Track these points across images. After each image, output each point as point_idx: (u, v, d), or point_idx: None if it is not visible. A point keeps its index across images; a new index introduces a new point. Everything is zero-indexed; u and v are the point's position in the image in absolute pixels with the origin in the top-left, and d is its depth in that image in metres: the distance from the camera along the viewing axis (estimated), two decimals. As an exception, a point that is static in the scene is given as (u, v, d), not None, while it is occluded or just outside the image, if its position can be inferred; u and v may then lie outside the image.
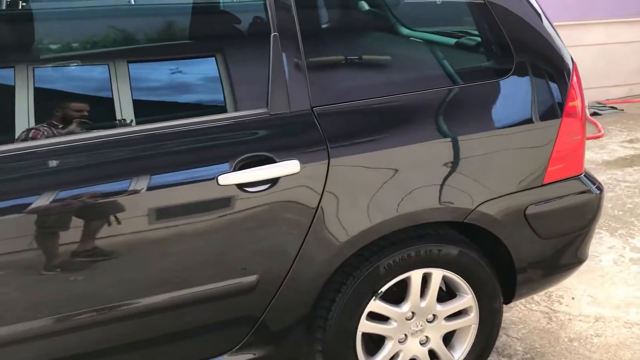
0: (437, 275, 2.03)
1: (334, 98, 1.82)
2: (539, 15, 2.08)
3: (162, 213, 1.65)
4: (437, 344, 2.11)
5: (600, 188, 2.21)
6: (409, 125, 1.87)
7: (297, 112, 1.77)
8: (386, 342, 2.06)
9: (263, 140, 1.75)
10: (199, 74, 1.82)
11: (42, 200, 1.53)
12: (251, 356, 1.89)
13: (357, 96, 1.84)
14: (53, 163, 1.59)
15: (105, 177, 1.59)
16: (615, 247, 3.34)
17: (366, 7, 1.99)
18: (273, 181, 1.72)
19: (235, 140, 1.73)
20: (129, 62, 1.71)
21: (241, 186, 1.70)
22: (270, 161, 1.72)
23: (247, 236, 1.74)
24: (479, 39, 2.04)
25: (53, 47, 1.80)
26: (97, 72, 1.71)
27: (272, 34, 1.74)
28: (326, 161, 1.77)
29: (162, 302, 1.71)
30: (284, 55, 1.75)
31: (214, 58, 1.82)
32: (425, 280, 2.04)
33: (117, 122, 1.66)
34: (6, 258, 1.52)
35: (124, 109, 1.66)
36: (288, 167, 1.72)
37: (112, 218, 1.60)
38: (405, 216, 1.89)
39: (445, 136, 1.89)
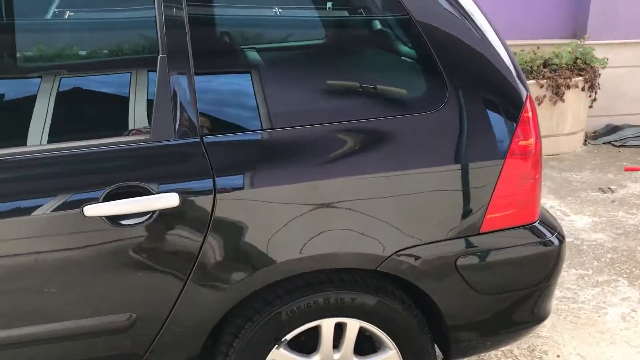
0: (353, 325, 1.83)
1: (228, 128, 1.67)
2: (485, 36, 1.82)
3: (22, 242, 1.56)
4: (355, 401, 1.90)
5: (560, 238, 1.92)
6: (312, 159, 1.69)
7: (183, 140, 1.63)
8: (296, 394, 1.88)
9: (140, 170, 1.63)
10: (75, 96, 1.72)
11: None
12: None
13: (254, 126, 1.69)
14: None
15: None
16: (630, 300, 2.95)
17: (276, 27, 1.82)
18: (149, 214, 1.60)
19: (108, 168, 1.61)
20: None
21: (112, 218, 1.58)
22: (147, 193, 1.59)
23: (120, 272, 1.63)
24: (406, 63, 1.82)
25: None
26: None
27: (159, 56, 1.61)
28: (212, 196, 1.62)
29: (27, 335, 1.63)
30: (171, 79, 1.62)
31: (93, 78, 1.72)
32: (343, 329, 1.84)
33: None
34: None
35: None
36: (165, 200, 1.59)
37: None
38: (306, 260, 1.71)
39: (353, 174, 1.69)
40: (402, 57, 1.82)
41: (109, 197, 1.57)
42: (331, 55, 1.82)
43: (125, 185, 1.58)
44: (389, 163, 1.70)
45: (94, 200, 1.56)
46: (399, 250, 1.74)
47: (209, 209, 1.62)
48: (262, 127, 1.68)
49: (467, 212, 1.78)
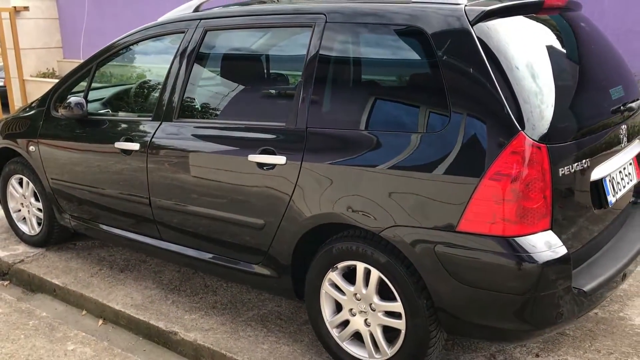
0: (375, 273, 2.64)
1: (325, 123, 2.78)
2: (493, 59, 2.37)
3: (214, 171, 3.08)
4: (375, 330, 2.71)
5: (535, 259, 2.24)
6: (353, 151, 2.62)
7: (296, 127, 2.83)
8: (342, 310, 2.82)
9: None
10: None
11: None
12: (269, 272, 3.04)
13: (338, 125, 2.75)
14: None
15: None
16: None
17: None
18: (273, 165, 2.86)
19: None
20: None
21: (259, 165, 2.92)
22: (274, 154, 2.87)
23: (259, 194, 2.92)
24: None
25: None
26: None
27: (298, 81, 2.84)
28: (299, 163, 2.77)
29: (208, 213, 3.17)
30: (301, 97, 2.83)
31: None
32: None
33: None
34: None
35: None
36: (278, 159, 2.82)
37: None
38: (328, 215, 2.68)
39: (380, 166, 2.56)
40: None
41: (261, 152, 2.89)
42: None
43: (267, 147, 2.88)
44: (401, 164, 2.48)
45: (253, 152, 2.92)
46: (395, 225, 2.49)
47: (297, 171, 2.76)
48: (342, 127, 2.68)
49: (447, 212, 2.38)
